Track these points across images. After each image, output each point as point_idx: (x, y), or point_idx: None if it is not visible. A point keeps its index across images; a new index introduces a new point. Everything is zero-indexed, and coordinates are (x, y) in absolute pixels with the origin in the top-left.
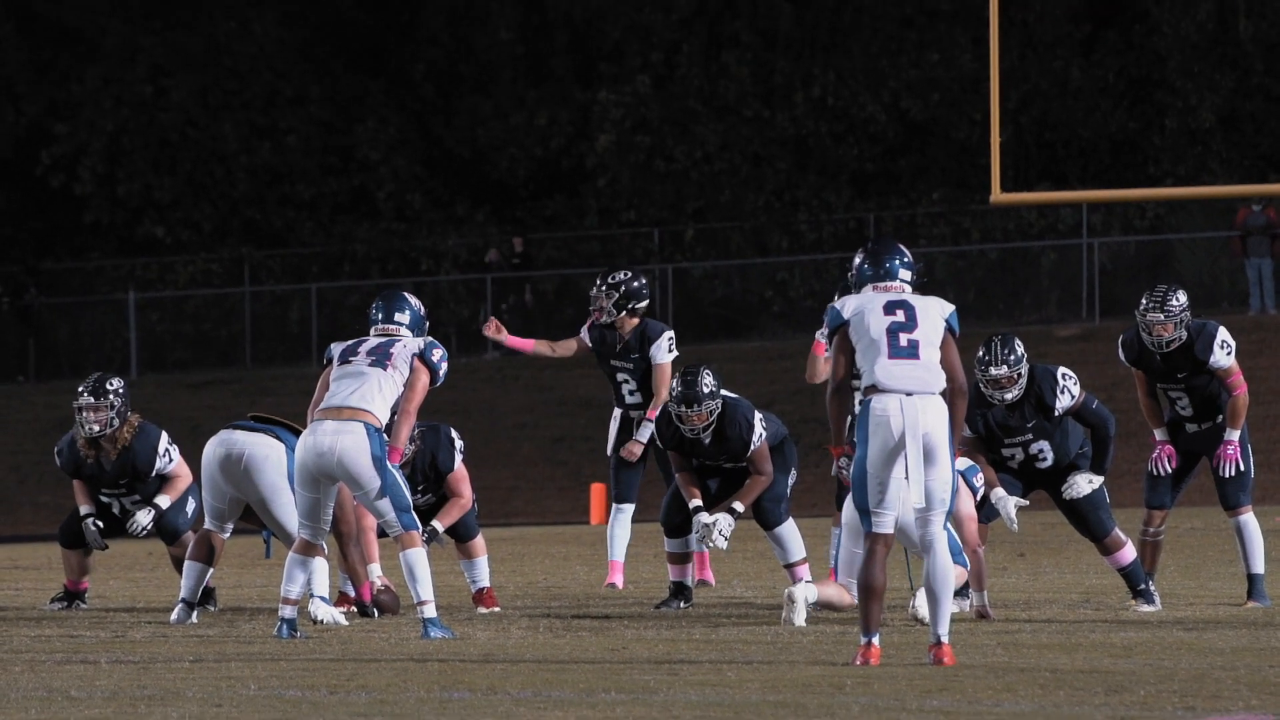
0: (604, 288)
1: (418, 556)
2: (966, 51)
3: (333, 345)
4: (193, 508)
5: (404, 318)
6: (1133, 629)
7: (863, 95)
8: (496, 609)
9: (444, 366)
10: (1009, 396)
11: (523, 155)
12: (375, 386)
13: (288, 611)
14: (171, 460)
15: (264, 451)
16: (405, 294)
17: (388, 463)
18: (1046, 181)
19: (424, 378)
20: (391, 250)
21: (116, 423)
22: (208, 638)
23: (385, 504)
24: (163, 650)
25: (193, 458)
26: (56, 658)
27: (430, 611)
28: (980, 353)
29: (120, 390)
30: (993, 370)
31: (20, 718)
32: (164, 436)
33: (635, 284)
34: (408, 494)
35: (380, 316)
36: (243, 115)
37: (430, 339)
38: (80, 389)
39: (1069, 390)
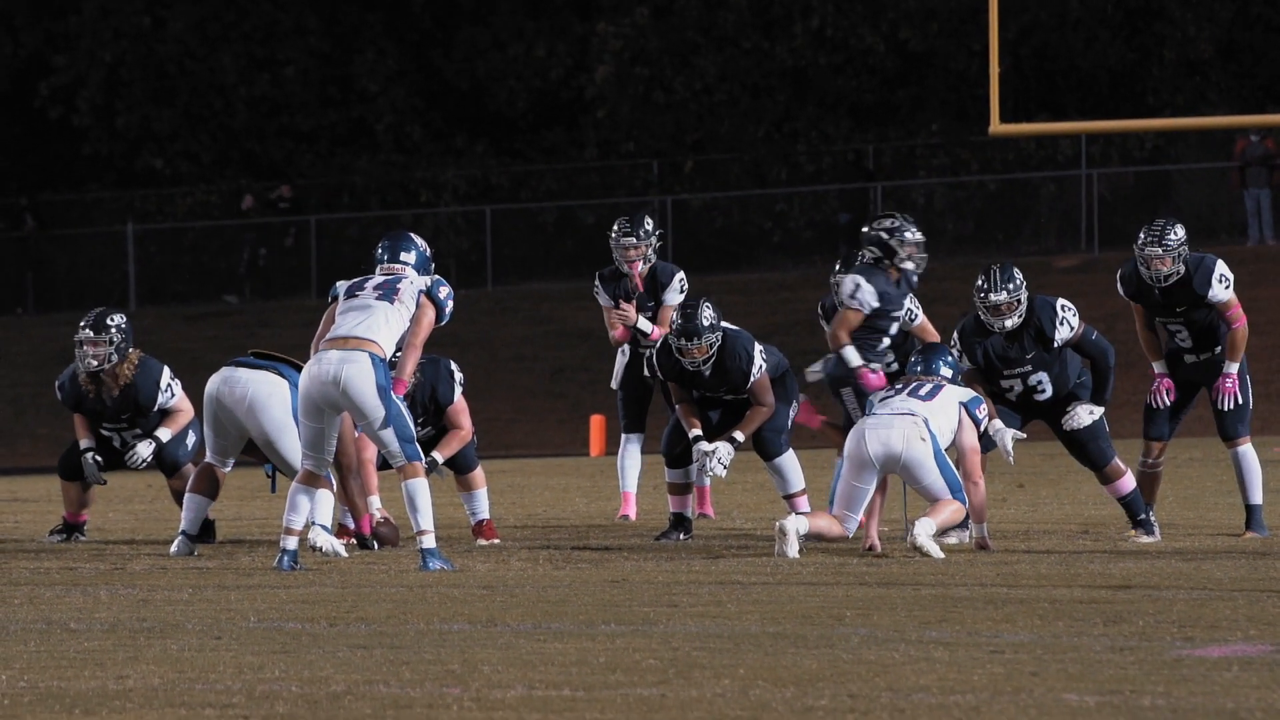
0: (637, 235)
1: (419, 487)
2: None
3: (339, 283)
4: (193, 440)
5: (409, 257)
6: (1131, 560)
7: (861, 26)
8: (496, 541)
9: (450, 304)
10: (1009, 324)
11: (521, 87)
12: (382, 318)
13: (289, 543)
14: (173, 395)
15: (267, 389)
16: (411, 234)
17: (392, 393)
18: (1045, 112)
19: (430, 313)
20: (390, 182)
21: (115, 358)
22: (207, 570)
23: (389, 434)
24: (162, 582)
25: (192, 390)
26: (56, 590)
27: (429, 542)
28: (979, 281)
29: (121, 326)
30: (992, 297)
31: (19, 649)
32: (166, 371)
33: (654, 225)
34: (412, 425)
35: (386, 256)
36: (241, 46)
37: (437, 276)
38: (82, 323)
39: (1068, 321)
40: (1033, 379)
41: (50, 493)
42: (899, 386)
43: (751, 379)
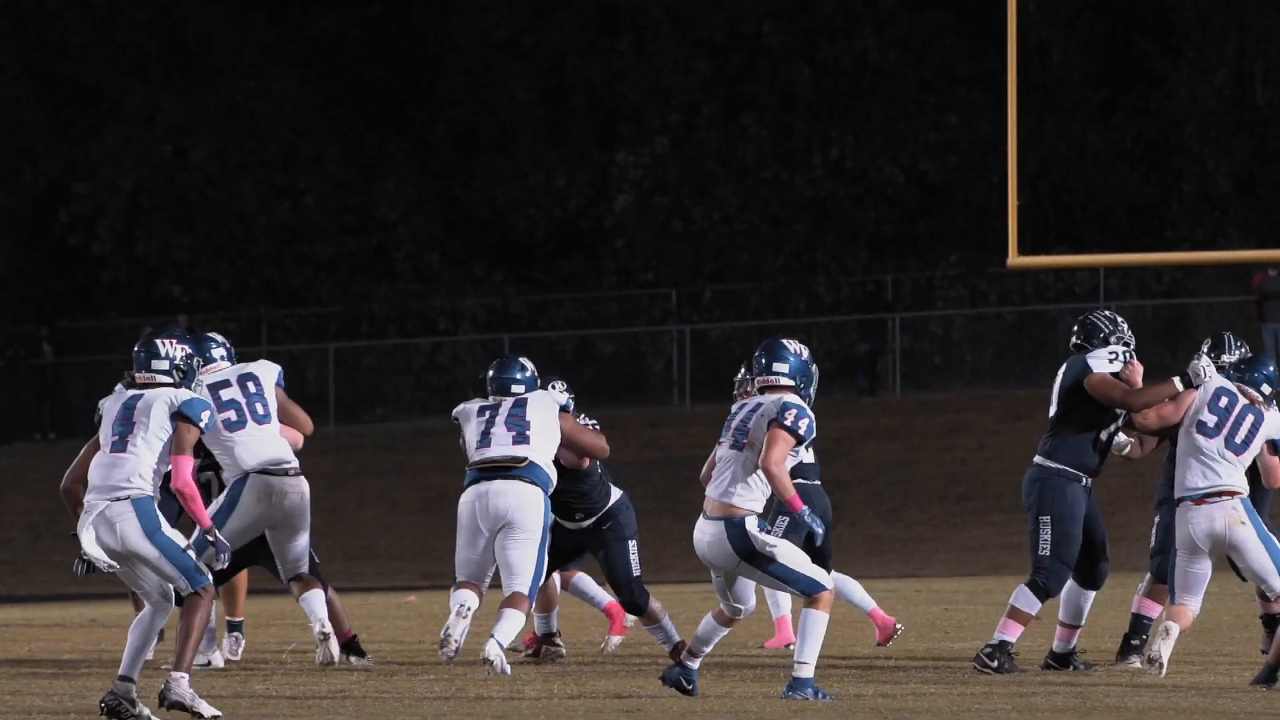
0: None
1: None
2: (985, 115)
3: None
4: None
5: (782, 367)
6: (1147, 694)
7: (881, 158)
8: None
9: (803, 424)
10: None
11: (541, 215)
12: (738, 474)
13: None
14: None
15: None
16: (783, 340)
17: (762, 547)
18: (1064, 245)
19: (780, 437)
20: (409, 310)
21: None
22: (222, 700)
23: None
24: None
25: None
26: (70, 718)
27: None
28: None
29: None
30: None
31: None
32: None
33: None
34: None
35: (761, 366)
36: (261, 174)
37: (790, 402)
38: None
39: None
40: None
41: (65, 618)
42: (1211, 409)
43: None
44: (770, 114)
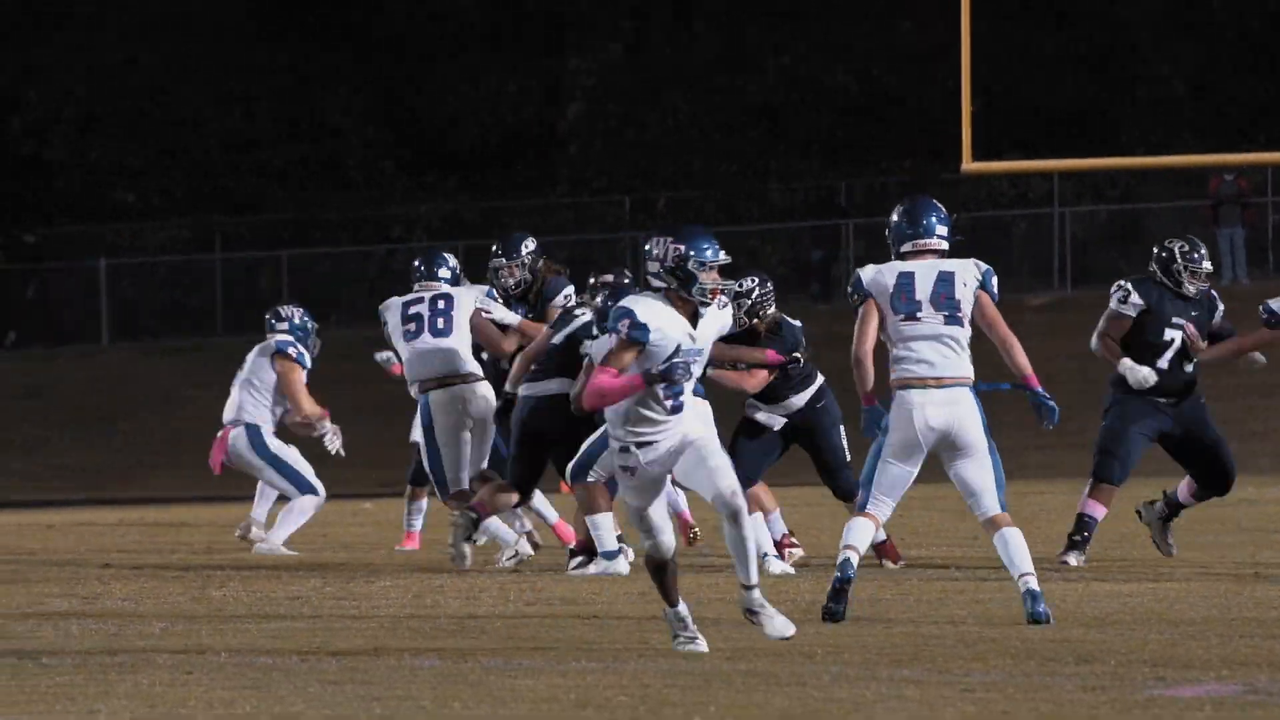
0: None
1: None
2: (938, 20)
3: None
4: None
5: (943, 229)
6: (1104, 599)
7: (833, 64)
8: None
9: (995, 284)
10: (1191, 290)
11: (494, 122)
12: (962, 346)
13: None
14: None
15: None
16: (933, 200)
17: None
18: (1017, 151)
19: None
20: (363, 218)
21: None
22: (178, 604)
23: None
24: (134, 617)
25: (166, 424)
26: (28, 624)
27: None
28: (1184, 247)
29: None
30: (1206, 265)
31: None
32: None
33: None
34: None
35: (923, 226)
36: (214, 81)
37: (990, 269)
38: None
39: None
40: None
41: (20, 526)
42: None
43: None
44: (722, 20)
